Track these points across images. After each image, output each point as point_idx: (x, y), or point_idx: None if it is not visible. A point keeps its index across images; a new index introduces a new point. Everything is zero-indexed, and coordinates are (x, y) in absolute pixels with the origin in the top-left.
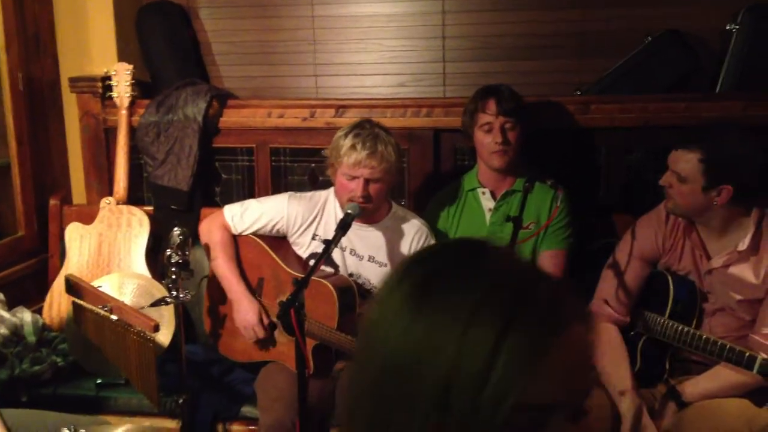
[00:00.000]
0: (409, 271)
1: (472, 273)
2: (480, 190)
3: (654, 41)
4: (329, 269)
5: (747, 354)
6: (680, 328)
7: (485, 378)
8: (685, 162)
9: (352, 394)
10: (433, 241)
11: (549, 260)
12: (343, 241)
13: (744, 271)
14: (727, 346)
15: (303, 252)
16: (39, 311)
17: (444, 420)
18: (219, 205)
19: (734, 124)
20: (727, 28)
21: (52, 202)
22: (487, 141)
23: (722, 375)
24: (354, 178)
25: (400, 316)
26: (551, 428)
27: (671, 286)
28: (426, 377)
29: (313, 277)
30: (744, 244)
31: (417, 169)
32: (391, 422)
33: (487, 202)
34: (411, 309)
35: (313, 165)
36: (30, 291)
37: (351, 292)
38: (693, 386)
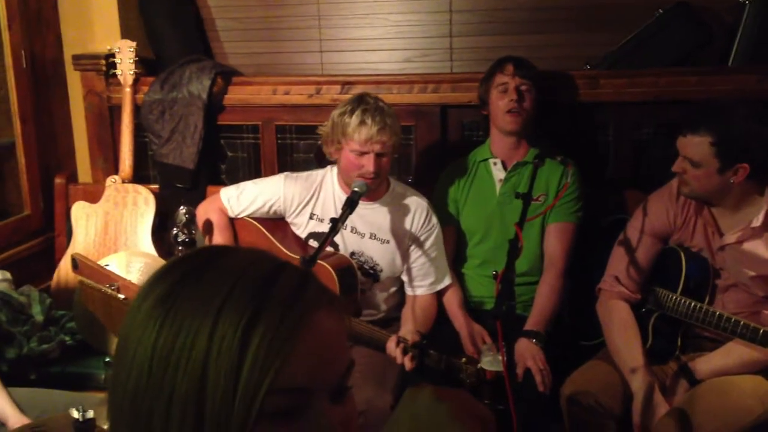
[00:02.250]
0: (154, 285)
1: (215, 275)
2: (492, 161)
3: (664, 14)
4: (329, 249)
5: (761, 330)
6: (692, 304)
7: (238, 369)
8: (696, 146)
9: (113, 410)
10: (434, 217)
11: (557, 233)
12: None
13: (758, 247)
14: (741, 323)
15: (301, 232)
16: (46, 290)
17: (201, 418)
18: (224, 183)
19: (740, 100)
20: (740, 0)
21: (58, 180)
22: (502, 102)
23: (735, 351)
24: (363, 153)
25: (149, 327)
26: (313, 409)
27: (683, 263)
28: (179, 379)
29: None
30: (758, 221)
31: (424, 145)
32: (152, 429)
33: (498, 173)
34: (158, 317)
35: (319, 142)
36: (37, 270)
37: (351, 271)
38: (705, 363)
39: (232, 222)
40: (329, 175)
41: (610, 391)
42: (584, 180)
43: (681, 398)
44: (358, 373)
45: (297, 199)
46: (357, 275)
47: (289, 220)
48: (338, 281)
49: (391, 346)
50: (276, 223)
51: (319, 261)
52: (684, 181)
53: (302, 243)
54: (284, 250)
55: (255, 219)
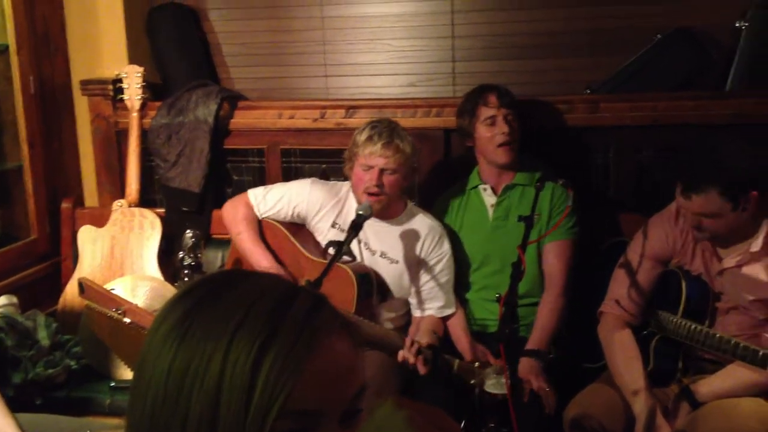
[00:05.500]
0: (172, 308)
1: (231, 299)
2: (481, 187)
3: (664, 39)
4: (346, 258)
5: (761, 352)
6: (693, 326)
7: (250, 392)
8: (705, 203)
9: (131, 429)
10: (446, 242)
11: (555, 252)
12: (360, 234)
13: (757, 271)
14: (741, 345)
15: (322, 239)
16: (52, 314)
17: None
18: None
19: (724, 134)
20: (737, 25)
21: (65, 205)
22: (491, 134)
23: (736, 374)
24: (369, 168)
25: (165, 349)
26: (323, 431)
27: (683, 285)
28: (194, 400)
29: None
30: (757, 245)
31: (427, 168)
32: None
33: (489, 198)
34: (175, 340)
35: (324, 166)
36: (43, 294)
37: (369, 278)
38: (706, 386)
39: (259, 223)
40: (351, 190)
41: (612, 414)
42: (585, 203)
43: (683, 421)
44: None
45: (320, 204)
46: (374, 283)
47: (311, 224)
48: (357, 285)
49: (406, 347)
50: (299, 227)
51: (339, 265)
52: (701, 229)
53: (323, 250)
54: (307, 254)
55: (279, 222)
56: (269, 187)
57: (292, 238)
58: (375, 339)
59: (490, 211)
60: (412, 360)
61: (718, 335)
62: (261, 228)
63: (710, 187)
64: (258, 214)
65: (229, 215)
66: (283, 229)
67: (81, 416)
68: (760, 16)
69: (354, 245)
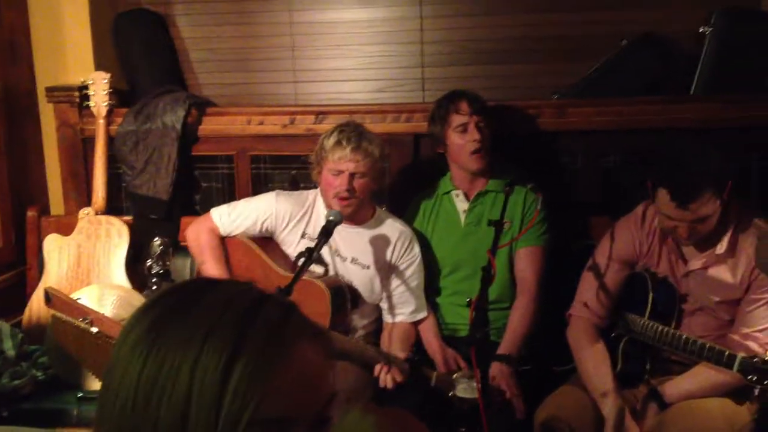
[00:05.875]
0: (140, 318)
1: (199, 308)
2: (454, 193)
3: (629, 44)
4: (320, 269)
5: (726, 353)
6: (660, 328)
7: (219, 400)
8: (704, 206)
9: None
10: (416, 246)
11: (527, 258)
12: (330, 241)
13: (722, 272)
14: (707, 346)
15: (292, 250)
16: (18, 324)
17: None
18: (198, 213)
19: (684, 140)
20: (700, 30)
21: (30, 213)
22: (463, 142)
23: (702, 375)
24: (339, 173)
25: (134, 359)
26: None
27: (650, 287)
28: (162, 411)
29: (305, 277)
30: (722, 247)
31: (397, 173)
32: None
33: (461, 204)
34: (143, 350)
35: (293, 171)
36: (8, 304)
37: (342, 291)
38: (674, 387)
39: (224, 242)
40: (319, 197)
41: (582, 416)
42: (553, 207)
43: (651, 422)
44: None
45: (288, 216)
46: (347, 295)
47: (279, 237)
48: (330, 299)
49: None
50: (267, 241)
51: (313, 279)
52: (693, 235)
53: (293, 264)
54: (277, 269)
55: (247, 238)
56: (233, 204)
57: (262, 254)
58: (350, 355)
59: (462, 217)
60: (382, 380)
61: (684, 337)
62: (227, 247)
63: (704, 191)
64: (223, 233)
65: (192, 242)
66: (251, 245)
67: (49, 427)
68: (723, 22)
69: (325, 252)
